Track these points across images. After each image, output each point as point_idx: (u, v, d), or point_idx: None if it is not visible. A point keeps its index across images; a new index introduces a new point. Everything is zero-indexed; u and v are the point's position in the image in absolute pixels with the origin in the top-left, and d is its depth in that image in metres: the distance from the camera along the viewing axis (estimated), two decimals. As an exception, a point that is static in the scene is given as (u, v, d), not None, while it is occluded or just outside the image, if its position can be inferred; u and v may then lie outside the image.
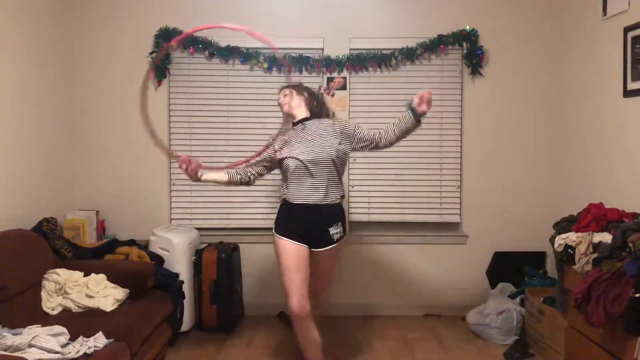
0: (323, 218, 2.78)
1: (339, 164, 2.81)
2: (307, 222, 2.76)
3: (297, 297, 2.69)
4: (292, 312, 2.72)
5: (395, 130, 2.79)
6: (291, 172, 2.76)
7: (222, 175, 2.92)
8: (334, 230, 2.81)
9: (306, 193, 2.75)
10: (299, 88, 2.99)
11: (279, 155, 2.83)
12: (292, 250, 2.74)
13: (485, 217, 4.07)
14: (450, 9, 4.01)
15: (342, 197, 2.87)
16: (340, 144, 2.80)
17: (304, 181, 2.75)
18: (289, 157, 2.77)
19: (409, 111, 2.72)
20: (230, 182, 2.93)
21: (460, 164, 4.10)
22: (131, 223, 3.97)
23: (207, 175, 2.89)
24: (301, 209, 2.75)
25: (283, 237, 2.77)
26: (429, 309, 4.10)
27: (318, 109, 2.95)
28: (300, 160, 2.74)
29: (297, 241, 2.75)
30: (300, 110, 2.91)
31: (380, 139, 2.83)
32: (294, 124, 2.91)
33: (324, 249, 2.81)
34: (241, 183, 2.93)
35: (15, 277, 2.68)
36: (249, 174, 2.93)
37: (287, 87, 2.99)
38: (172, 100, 4.04)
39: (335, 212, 2.83)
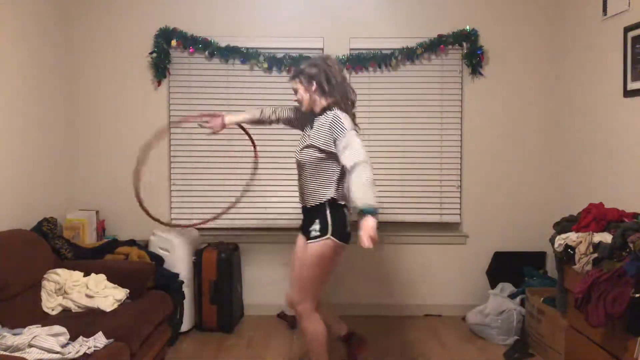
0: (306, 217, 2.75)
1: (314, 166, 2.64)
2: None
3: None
4: None
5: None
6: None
7: (247, 115, 2.97)
8: (312, 227, 2.63)
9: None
10: (304, 74, 2.67)
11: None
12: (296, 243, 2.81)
13: (485, 217, 4.07)
14: (450, 9, 4.01)
15: (331, 199, 2.61)
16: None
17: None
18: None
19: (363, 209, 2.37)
20: (257, 120, 2.94)
21: (460, 164, 4.10)
22: (131, 223, 3.95)
23: (230, 119, 2.98)
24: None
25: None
26: (429, 309, 4.09)
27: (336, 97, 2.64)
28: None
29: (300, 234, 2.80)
30: (317, 103, 2.68)
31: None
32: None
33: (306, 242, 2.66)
34: (269, 121, 2.94)
35: (15, 277, 2.68)
36: (272, 115, 2.92)
37: (293, 75, 2.72)
38: (172, 100, 4.04)
39: (315, 212, 2.64)
